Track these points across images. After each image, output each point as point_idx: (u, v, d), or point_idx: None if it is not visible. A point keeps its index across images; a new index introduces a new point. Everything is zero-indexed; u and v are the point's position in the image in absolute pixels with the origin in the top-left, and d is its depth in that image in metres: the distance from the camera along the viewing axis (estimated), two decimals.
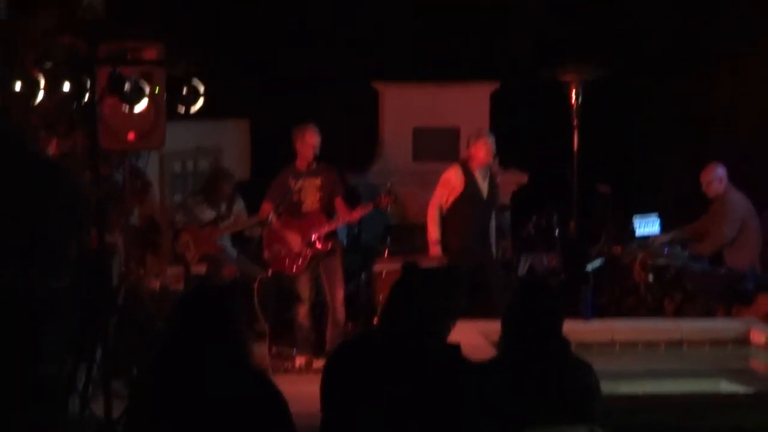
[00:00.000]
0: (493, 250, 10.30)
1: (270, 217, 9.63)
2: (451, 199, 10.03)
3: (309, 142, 9.61)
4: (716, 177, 10.55)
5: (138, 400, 4.35)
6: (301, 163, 9.68)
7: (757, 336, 9.34)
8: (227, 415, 4.17)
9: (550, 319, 4.96)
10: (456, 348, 4.38)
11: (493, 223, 10.29)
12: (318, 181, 9.67)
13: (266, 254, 9.81)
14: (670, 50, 12.71)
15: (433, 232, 9.97)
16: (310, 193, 9.68)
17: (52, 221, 7.10)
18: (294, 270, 9.65)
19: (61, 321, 7.00)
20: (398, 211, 11.85)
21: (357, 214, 9.73)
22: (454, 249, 9.98)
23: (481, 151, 9.97)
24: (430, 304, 4.45)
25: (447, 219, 10.13)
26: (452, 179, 9.98)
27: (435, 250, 9.93)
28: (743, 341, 9.44)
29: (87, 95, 7.11)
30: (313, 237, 9.57)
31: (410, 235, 12.22)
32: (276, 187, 9.75)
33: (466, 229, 10.01)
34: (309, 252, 9.62)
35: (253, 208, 10.44)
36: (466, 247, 9.94)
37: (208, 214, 10.53)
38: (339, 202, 9.73)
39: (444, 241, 10.03)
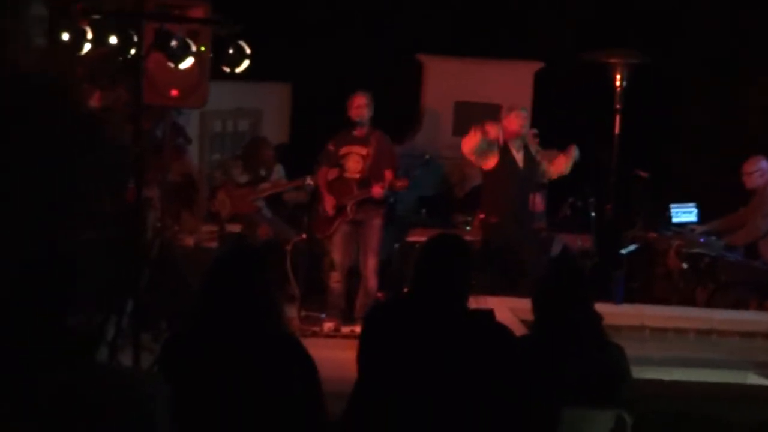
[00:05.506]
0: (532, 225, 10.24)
1: (307, 181, 9.66)
2: (487, 169, 10.00)
3: (354, 104, 9.66)
4: (758, 169, 10.48)
5: (169, 357, 4.36)
6: (351, 130, 9.71)
7: None
8: (258, 374, 4.18)
9: (581, 300, 4.96)
10: (490, 313, 4.42)
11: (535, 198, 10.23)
12: (364, 151, 9.68)
13: (311, 216, 9.88)
14: (717, 41, 12.60)
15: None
16: (353, 160, 9.71)
17: (88, 173, 7.12)
18: (324, 234, 9.68)
19: (93, 272, 7.02)
20: (435, 184, 11.81)
21: (377, 191, 9.69)
22: (492, 222, 9.96)
23: (514, 123, 9.91)
24: (461, 272, 4.52)
25: (484, 191, 10.13)
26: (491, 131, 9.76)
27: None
28: None
29: (133, 50, 7.14)
30: (347, 204, 9.59)
31: (445, 207, 12.21)
32: (325, 151, 9.83)
33: (504, 202, 9.95)
34: (340, 218, 9.64)
35: (290, 171, 10.44)
36: (503, 222, 9.91)
37: (246, 177, 10.57)
38: (387, 174, 9.73)
39: (483, 213, 10.09)
